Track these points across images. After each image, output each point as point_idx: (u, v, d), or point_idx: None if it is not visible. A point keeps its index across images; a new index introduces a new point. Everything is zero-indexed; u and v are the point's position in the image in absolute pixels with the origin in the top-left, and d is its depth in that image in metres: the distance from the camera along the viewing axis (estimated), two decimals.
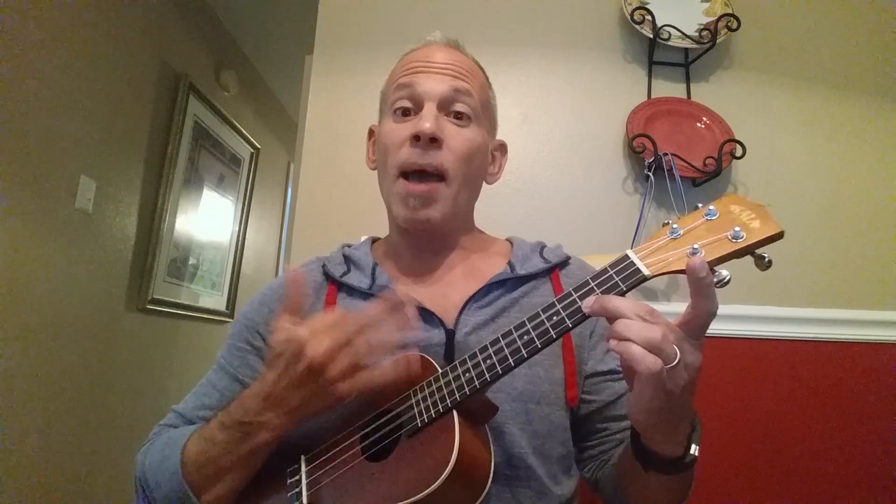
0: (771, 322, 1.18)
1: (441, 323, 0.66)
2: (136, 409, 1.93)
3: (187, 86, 2.17)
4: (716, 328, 1.18)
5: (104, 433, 1.78)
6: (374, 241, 0.81)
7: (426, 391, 0.54)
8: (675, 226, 0.49)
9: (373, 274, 0.71)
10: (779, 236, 0.46)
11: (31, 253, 1.49)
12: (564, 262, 0.75)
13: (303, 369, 0.51)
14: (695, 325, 0.46)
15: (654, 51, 1.33)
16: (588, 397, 0.70)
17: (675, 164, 1.20)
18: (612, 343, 0.45)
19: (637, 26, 1.28)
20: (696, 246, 0.47)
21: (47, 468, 1.54)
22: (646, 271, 0.48)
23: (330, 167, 1.29)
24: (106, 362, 1.80)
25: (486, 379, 0.51)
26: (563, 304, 0.50)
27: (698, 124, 1.28)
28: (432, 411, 0.52)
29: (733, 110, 1.29)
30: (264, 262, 3.10)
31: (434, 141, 0.66)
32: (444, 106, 0.69)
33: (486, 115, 0.74)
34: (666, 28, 1.28)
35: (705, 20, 1.32)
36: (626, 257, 0.50)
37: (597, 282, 0.49)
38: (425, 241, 0.73)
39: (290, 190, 3.33)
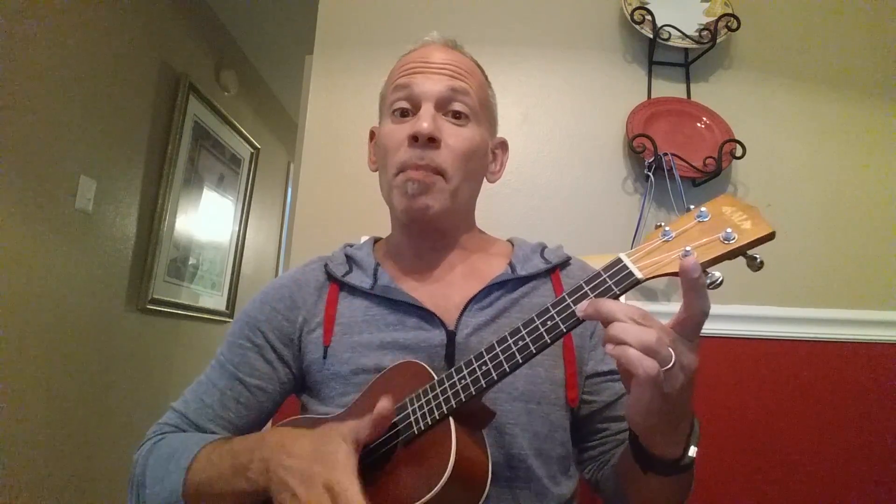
0: (770, 322, 1.18)
1: (442, 324, 0.66)
2: (136, 409, 1.93)
3: (187, 86, 2.17)
4: (714, 328, 1.19)
5: (104, 433, 1.78)
6: (376, 241, 0.81)
7: (423, 399, 0.54)
8: (667, 228, 0.50)
9: (375, 274, 0.71)
10: (770, 237, 0.46)
11: (31, 253, 1.49)
12: (565, 263, 0.75)
13: (309, 482, 0.48)
14: (688, 326, 0.46)
15: (654, 51, 1.33)
16: (588, 398, 0.70)
17: (675, 164, 1.20)
18: (609, 347, 0.45)
19: (637, 26, 1.28)
20: (687, 248, 0.47)
21: (47, 468, 1.54)
22: (638, 274, 0.48)
23: (330, 167, 1.29)
24: (106, 362, 1.80)
25: (482, 385, 0.51)
26: (558, 308, 0.50)
27: (698, 124, 1.28)
28: (429, 418, 0.52)
29: (733, 110, 1.29)
30: (264, 262, 3.10)
31: (432, 141, 0.66)
32: (442, 106, 0.69)
33: (485, 113, 0.74)
34: (666, 28, 1.28)
35: (705, 20, 1.32)
36: (619, 261, 0.50)
37: (590, 286, 0.50)
38: (426, 237, 0.73)
39: (290, 190, 3.33)
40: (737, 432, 1.14)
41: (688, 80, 1.33)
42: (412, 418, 0.54)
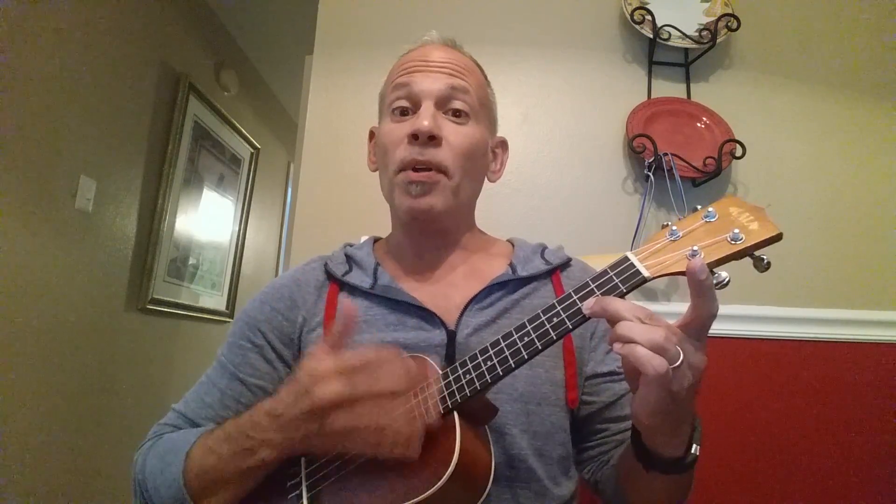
0: (771, 322, 1.18)
1: (442, 324, 0.66)
2: (136, 409, 1.93)
3: (187, 86, 2.17)
4: (716, 328, 1.17)
5: (104, 433, 1.78)
6: (376, 240, 0.81)
7: (426, 393, 0.54)
8: (674, 227, 0.50)
9: (375, 274, 0.71)
10: (777, 238, 0.46)
11: (31, 253, 1.49)
12: (566, 264, 0.75)
13: (307, 407, 0.49)
14: (695, 327, 0.46)
15: (654, 51, 1.33)
16: (588, 398, 0.70)
17: (675, 164, 1.20)
18: (616, 346, 0.45)
19: (637, 26, 1.28)
20: (695, 248, 0.47)
21: (47, 468, 1.54)
22: (645, 273, 0.48)
23: (330, 167, 1.29)
24: (106, 362, 1.80)
25: (487, 380, 0.51)
26: (563, 305, 0.50)
27: (698, 124, 1.28)
28: (433, 413, 0.52)
29: (733, 110, 1.29)
30: (264, 262, 3.10)
31: (433, 139, 0.66)
32: (442, 104, 0.69)
33: (484, 112, 0.74)
34: (666, 28, 1.28)
35: (705, 20, 1.32)
36: (626, 259, 0.50)
37: (597, 283, 0.49)
38: (427, 237, 0.73)
39: (290, 190, 3.33)
40: (737, 432, 1.14)
41: (688, 80, 1.33)
42: (416, 412, 0.54)
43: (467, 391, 0.52)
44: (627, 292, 0.49)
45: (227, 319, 2.57)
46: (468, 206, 0.76)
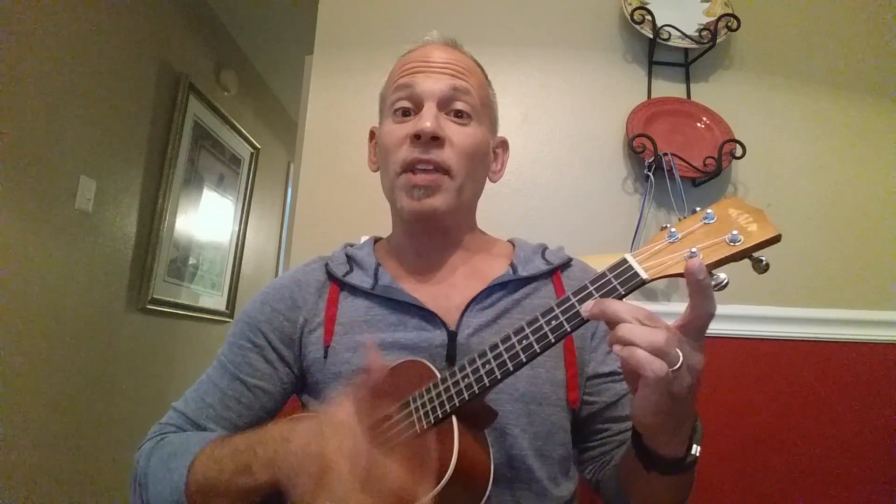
0: (770, 322, 1.18)
1: (443, 324, 0.66)
2: (137, 409, 1.93)
3: (187, 86, 2.17)
4: (715, 328, 1.18)
5: (104, 433, 1.78)
6: (377, 240, 0.81)
7: (425, 397, 0.54)
8: (673, 229, 0.50)
9: (375, 274, 0.71)
10: (776, 239, 0.46)
11: (31, 253, 1.49)
12: (566, 264, 0.75)
13: (313, 456, 0.47)
14: (694, 327, 0.46)
15: (654, 51, 1.33)
16: (589, 399, 0.70)
17: (675, 164, 1.20)
18: (616, 348, 0.45)
19: (637, 26, 1.28)
20: (693, 249, 0.47)
21: (47, 468, 1.54)
22: (644, 275, 0.48)
23: (330, 167, 1.29)
24: (106, 362, 1.80)
25: (486, 384, 0.51)
26: (562, 308, 0.50)
27: (698, 124, 1.28)
28: (431, 417, 0.52)
29: (733, 110, 1.29)
30: (264, 262, 3.10)
31: (435, 139, 0.66)
32: (444, 105, 0.69)
33: (486, 112, 0.74)
34: (666, 28, 1.28)
35: (705, 20, 1.32)
36: (625, 261, 0.50)
37: (595, 286, 0.49)
38: (429, 237, 0.73)
39: (290, 190, 3.33)
40: (736, 432, 1.14)
41: (688, 80, 1.33)
42: (415, 416, 0.54)
43: (465, 395, 0.52)
44: (626, 294, 0.49)
45: (227, 319, 2.57)
46: (470, 207, 0.76)
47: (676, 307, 1.18)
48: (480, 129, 0.71)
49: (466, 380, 0.52)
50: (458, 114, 0.69)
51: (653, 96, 1.31)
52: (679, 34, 1.29)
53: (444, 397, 0.53)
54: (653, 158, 1.20)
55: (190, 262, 2.30)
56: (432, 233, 0.72)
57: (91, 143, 1.69)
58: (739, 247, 0.46)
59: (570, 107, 1.33)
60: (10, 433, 1.42)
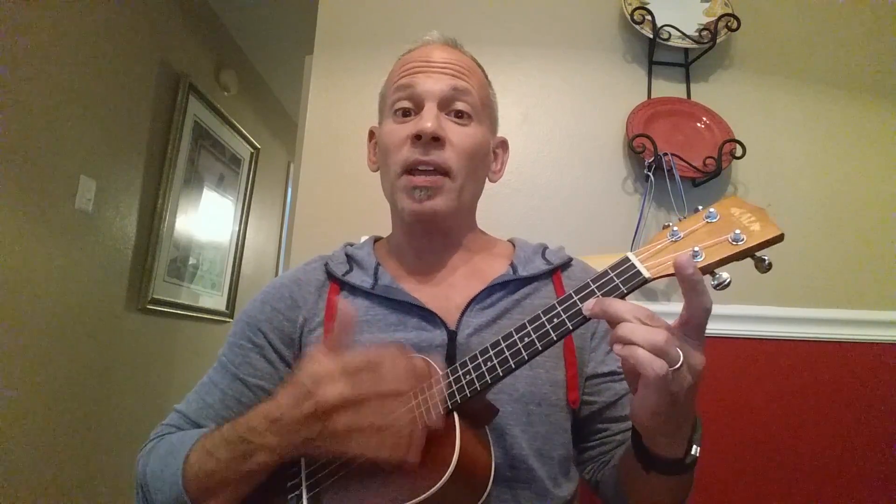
0: (770, 322, 1.18)
1: (443, 324, 0.66)
2: (137, 409, 1.93)
3: (187, 86, 2.17)
4: (715, 328, 1.19)
5: (104, 433, 1.78)
6: (377, 240, 0.81)
7: (427, 393, 0.54)
8: (675, 228, 0.50)
9: (375, 274, 0.71)
10: (779, 239, 0.46)
11: (31, 253, 1.49)
12: (566, 264, 0.75)
13: (309, 409, 0.49)
14: (692, 325, 0.46)
15: (654, 51, 1.33)
16: (589, 398, 0.70)
17: (675, 164, 1.20)
18: (617, 347, 0.45)
19: (637, 26, 1.28)
20: (696, 248, 0.47)
21: (48, 468, 1.54)
22: (646, 274, 0.48)
23: (330, 167, 1.29)
24: (106, 362, 1.80)
25: (487, 381, 0.51)
26: (564, 306, 0.50)
27: (698, 124, 1.28)
28: (433, 413, 0.52)
29: (733, 110, 1.29)
30: (264, 262, 3.10)
31: (436, 140, 0.66)
32: (445, 105, 0.69)
33: (486, 112, 0.74)
34: (666, 28, 1.28)
35: (705, 20, 1.32)
36: (627, 259, 0.50)
37: (597, 284, 0.49)
38: (429, 237, 0.73)
39: (290, 190, 3.33)
40: (736, 432, 1.14)
41: (688, 80, 1.33)
42: (416, 412, 0.54)
43: (467, 392, 0.52)
44: (628, 293, 0.49)
45: (227, 319, 2.57)
46: (470, 207, 0.76)
47: (676, 307, 1.17)
48: (481, 130, 0.71)
49: (469, 376, 0.52)
50: (459, 114, 0.69)
51: (653, 96, 1.31)
52: (679, 34, 1.29)
53: (446, 393, 0.52)
54: (653, 158, 1.20)
55: (190, 262, 2.30)
56: (433, 233, 0.72)
57: (91, 143, 1.69)
58: (742, 246, 0.46)
59: (570, 107, 1.33)
60: (10, 433, 1.42)
